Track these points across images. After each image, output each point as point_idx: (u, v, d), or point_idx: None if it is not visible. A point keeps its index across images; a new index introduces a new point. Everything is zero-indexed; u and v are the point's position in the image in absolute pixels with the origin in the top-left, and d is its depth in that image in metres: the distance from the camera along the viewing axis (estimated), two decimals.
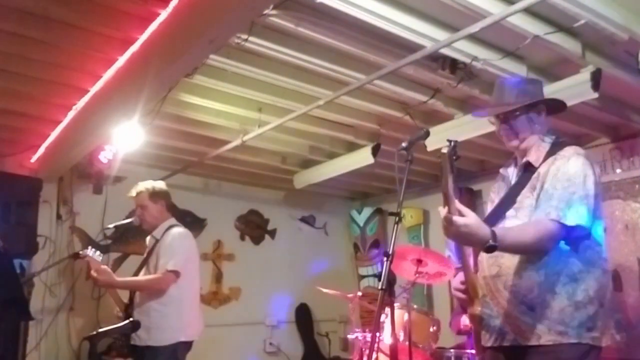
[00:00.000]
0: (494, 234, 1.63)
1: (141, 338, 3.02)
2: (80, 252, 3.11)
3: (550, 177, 1.81)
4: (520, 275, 1.81)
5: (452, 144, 1.67)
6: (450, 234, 1.64)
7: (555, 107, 2.07)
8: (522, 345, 1.78)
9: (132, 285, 3.15)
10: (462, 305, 2.00)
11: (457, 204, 1.63)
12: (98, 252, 3.16)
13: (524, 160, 1.97)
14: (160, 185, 3.35)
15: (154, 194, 3.26)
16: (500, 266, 1.85)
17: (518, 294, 1.80)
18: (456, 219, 1.60)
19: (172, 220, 3.32)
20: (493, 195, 2.11)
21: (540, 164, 1.90)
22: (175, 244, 3.14)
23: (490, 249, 1.64)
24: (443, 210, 1.64)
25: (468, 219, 1.62)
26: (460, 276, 1.98)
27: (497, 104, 2.04)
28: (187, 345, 3.13)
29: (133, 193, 3.27)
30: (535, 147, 1.96)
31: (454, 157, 1.66)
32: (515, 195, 1.91)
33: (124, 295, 3.25)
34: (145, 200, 3.24)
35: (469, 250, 1.89)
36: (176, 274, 3.06)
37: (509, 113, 1.98)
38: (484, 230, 1.63)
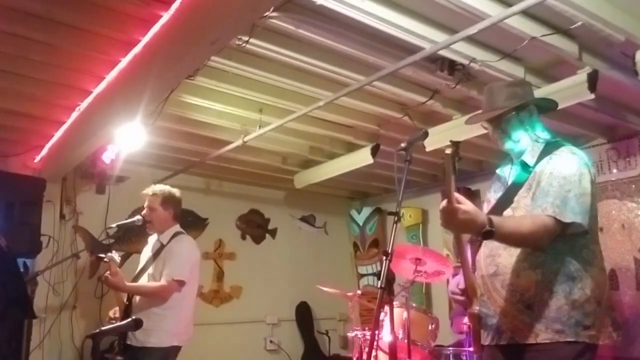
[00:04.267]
0: (490, 220, 1.66)
1: (138, 339, 3.05)
2: (105, 257, 3.11)
3: (547, 175, 1.82)
4: (518, 274, 1.82)
5: (455, 145, 1.69)
6: (450, 223, 1.66)
7: (547, 106, 2.10)
8: (520, 344, 1.79)
9: (138, 292, 3.17)
10: (463, 306, 2.03)
11: (457, 195, 1.65)
12: (118, 255, 3.20)
13: (520, 160, 1.99)
14: (176, 193, 3.36)
15: (166, 200, 3.27)
16: (498, 265, 1.87)
17: (516, 292, 1.81)
18: (457, 205, 1.63)
19: (177, 227, 3.34)
20: (489, 195, 2.12)
21: (536, 164, 1.91)
22: (184, 254, 3.21)
23: (487, 235, 1.65)
24: (442, 203, 1.66)
25: (466, 205, 1.65)
26: (457, 280, 2.00)
27: (487, 110, 2.07)
28: (177, 350, 3.18)
29: (149, 192, 3.29)
30: (530, 147, 1.97)
31: (457, 158, 1.68)
32: (512, 195, 1.92)
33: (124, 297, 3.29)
34: (156, 203, 3.25)
35: (467, 250, 1.92)
36: (181, 283, 3.13)
37: (500, 117, 2.01)
38: (482, 216, 1.67)
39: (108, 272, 3.08)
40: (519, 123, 2.00)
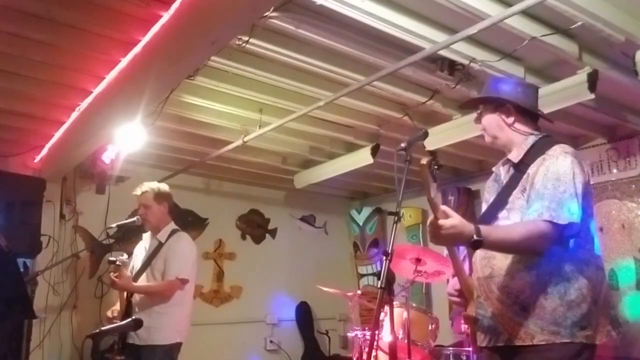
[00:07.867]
0: (477, 229, 1.65)
1: (140, 337, 3.07)
2: (117, 260, 3.12)
3: (541, 177, 1.81)
4: (513, 276, 1.81)
5: (431, 154, 1.69)
6: (437, 238, 1.67)
7: (529, 111, 2.04)
8: (516, 345, 1.78)
9: (145, 292, 3.19)
10: (460, 307, 2.03)
11: (443, 207, 1.66)
12: (126, 256, 3.23)
13: (506, 158, 2.01)
14: (165, 187, 3.41)
15: (159, 195, 3.31)
16: (493, 267, 1.86)
17: (511, 294, 1.81)
18: (443, 221, 1.64)
19: (173, 224, 3.38)
20: (487, 194, 2.11)
21: (523, 161, 1.90)
22: (185, 252, 3.26)
23: (475, 244, 1.66)
24: (430, 218, 1.67)
25: (453, 219, 1.65)
26: (454, 282, 2.01)
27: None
28: (179, 346, 3.21)
29: (138, 192, 3.31)
30: (517, 145, 1.96)
31: (436, 167, 1.68)
32: (506, 196, 1.91)
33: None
34: (150, 200, 3.28)
35: (462, 254, 1.92)
36: (184, 281, 3.19)
37: (481, 111, 2.05)
38: (468, 227, 1.66)
39: (113, 274, 3.10)
40: (494, 120, 2.01)
